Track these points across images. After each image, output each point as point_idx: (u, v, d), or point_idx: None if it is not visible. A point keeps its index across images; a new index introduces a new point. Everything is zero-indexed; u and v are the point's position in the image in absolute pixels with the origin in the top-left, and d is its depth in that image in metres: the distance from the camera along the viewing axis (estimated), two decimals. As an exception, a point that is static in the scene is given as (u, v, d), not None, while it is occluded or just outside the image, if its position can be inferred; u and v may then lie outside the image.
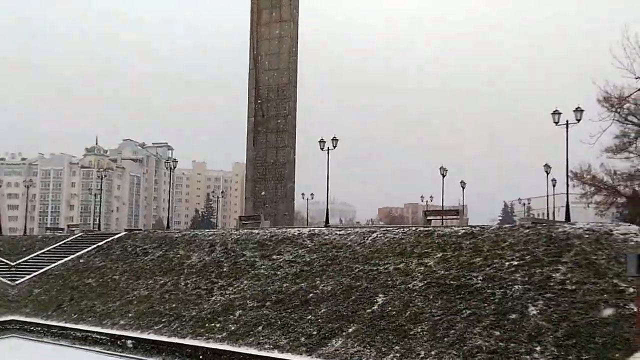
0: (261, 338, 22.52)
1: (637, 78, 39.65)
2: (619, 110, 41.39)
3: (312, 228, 34.71)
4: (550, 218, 54.32)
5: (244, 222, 42.76)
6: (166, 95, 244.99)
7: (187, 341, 24.30)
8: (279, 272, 27.71)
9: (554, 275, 20.43)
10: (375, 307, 22.02)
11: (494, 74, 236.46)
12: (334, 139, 40.30)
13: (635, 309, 16.20)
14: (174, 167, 52.48)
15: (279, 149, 47.65)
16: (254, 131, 48.36)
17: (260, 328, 23.31)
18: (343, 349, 19.99)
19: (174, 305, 27.95)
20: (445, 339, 18.72)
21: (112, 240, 41.85)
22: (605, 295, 18.66)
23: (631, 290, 17.85)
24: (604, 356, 15.77)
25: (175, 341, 24.58)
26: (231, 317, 25.07)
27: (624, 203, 44.61)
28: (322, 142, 40.60)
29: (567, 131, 31.17)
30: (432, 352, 18.24)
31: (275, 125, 47.89)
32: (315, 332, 21.66)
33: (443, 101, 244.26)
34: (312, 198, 78.84)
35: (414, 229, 29.15)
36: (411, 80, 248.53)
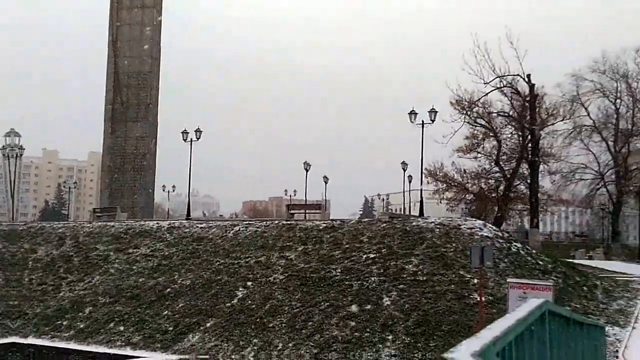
0: (112, 335, 21.44)
1: (485, 84, 42.74)
2: (469, 113, 44.33)
3: (172, 221, 33.67)
4: (407, 213, 56.92)
5: (98, 214, 40.52)
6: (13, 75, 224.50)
7: (30, 340, 22.58)
8: (134, 267, 26.55)
9: (407, 267, 21.36)
10: (235, 300, 21.77)
11: (364, 73, 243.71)
12: (198, 131, 39.36)
13: (478, 298, 17.31)
14: (20, 155, 48.53)
15: (139, 138, 45.75)
16: (113, 119, 46.06)
17: (112, 325, 22.18)
18: (200, 344, 19.55)
19: (15, 302, 25.85)
20: (303, 330, 18.90)
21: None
22: (452, 286, 19.82)
23: (475, 281, 19.06)
24: (449, 343, 16.68)
25: (16, 341, 22.73)
26: (80, 314, 23.62)
27: (471, 199, 47.84)
28: (185, 133, 39.50)
29: (422, 131, 32.70)
30: (290, 344, 18.34)
31: (136, 114, 45.91)
32: (171, 328, 20.99)
33: (311, 97, 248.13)
34: (174, 190, 76.58)
35: (276, 222, 29.21)
36: (283, 72, 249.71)
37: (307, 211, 42.56)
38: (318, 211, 41.14)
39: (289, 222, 28.86)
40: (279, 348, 18.33)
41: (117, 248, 28.74)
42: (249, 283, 22.77)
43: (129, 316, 22.50)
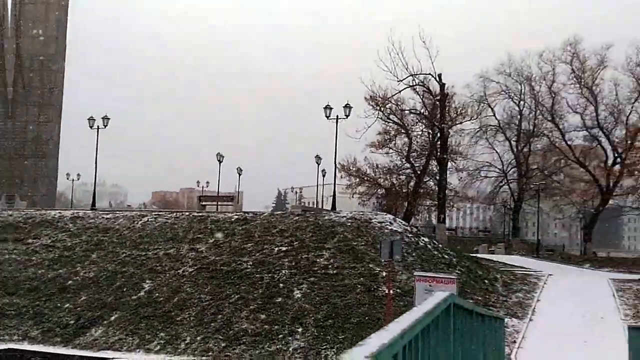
0: (9, 329, 20.28)
1: (399, 81, 43.64)
2: (382, 109, 45.13)
3: (76, 211, 32.26)
4: (319, 207, 57.37)
5: (-5, 202, 38.31)
6: None
7: None
8: (34, 258, 25.23)
9: (318, 260, 21.48)
10: (142, 293, 21.14)
11: (280, 66, 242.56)
12: (105, 118, 37.82)
13: (387, 291, 17.65)
14: None
15: (42, 124, 43.50)
16: (13, 102, 43.54)
17: (7, 319, 20.98)
18: (103, 338, 18.84)
19: None
20: (212, 323, 18.61)
21: None
22: (362, 279, 20.12)
23: (384, 274, 19.42)
24: (358, 335, 16.91)
25: None
26: (-27, 308, 22.21)
27: (383, 194, 48.79)
28: (91, 119, 37.85)
29: (336, 125, 32.89)
30: (198, 338, 18.01)
31: (39, 98, 43.61)
32: (72, 322, 20.11)
33: (228, 88, 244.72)
34: (79, 179, 73.31)
35: (187, 214, 28.63)
36: (204, 64, 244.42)
37: (219, 203, 42.07)
38: (230, 203, 40.75)
39: (200, 214, 28.35)
40: (186, 342, 17.96)
41: (15, 238, 27.20)
42: (157, 275, 22.18)
43: (27, 309, 21.36)
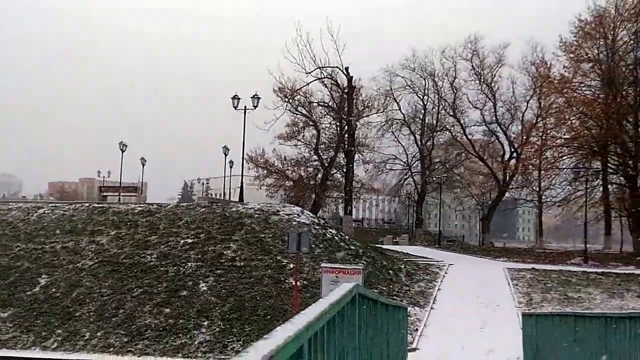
0: None
1: (307, 73, 43.81)
2: (291, 101, 45.18)
3: (-36, 201, 30.20)
4: (227, 198, 56.77)
5: None
6: None
7: None
8: None
9: (225, 252, 21.24)
10: (37, 288, 20.09)
11: (188, 54, 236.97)
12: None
13: (294, 283, 17.71)
14: None
15: None
16: None
17: None
18: (-6, 337, 17.75)
19: None
20: (114, 318, 17.98)
21: None
22: (269, 271, 20.09)
23: (291, 266, 19.48)
24: (265, 327, 16.88)
25: None
26: None
27: (291, 186, 48.91)
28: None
29: (244, 116, 32.61)
30: (98, 334, 17.33)
31: None
32: (-40, 320, 18.82)
33: (131, 75, 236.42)
34: (-32, 168, 68.81)
35: (87, 205, 27.47)
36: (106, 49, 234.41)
37: (121, 193, 40.68)
38: (134, 194, 39.56)
39: (101, 205, 27.31)
40: (85, 338, 17.24)
41: None
42: (54, 270, 21.14)
43: None
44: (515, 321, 16.63)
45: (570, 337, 8.41)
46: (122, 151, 55.91)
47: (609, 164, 43.62)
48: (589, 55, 43.86)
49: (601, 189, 44.54)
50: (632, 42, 41.25)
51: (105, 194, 36.87)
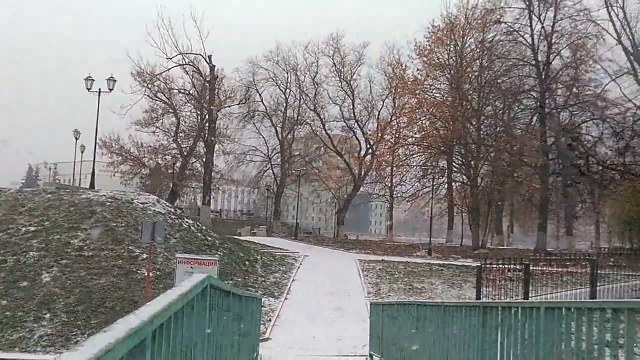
0: None
1: (168, 59, 42.60)
2: (150, 86, 43.73)
3: None
4: (77, 184, 53.69)
5: None
6: None
7: None
8: None
9: (72, 241, 20.13)
10: None
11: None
12: None
13: (146, 274, 17.19)
14: None
15: None
16: None
17: None
18: None
19: None
20: (-59, 313, 16.37)
21: None
22: (120, 261, 19.33)
23: (144, 256, 18.89)
24: (113, 319, 16.15)
25: None
26: None
27: (147, 174, 47.35)
28: None
29: (98, 99, 31.01)
30: None
31: None
32: None
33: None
34: None
35: None
36: None
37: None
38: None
39: None
40: None
41: None
42: None
43: None
44: (365, 310, 17.37)
45: (412, 325, 8.94)
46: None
47: (454, 164, 46.88)
48: (440, 60, 46.79)
49: (446, 186, 47.76)
50: (478, 50, 44.54)
51: None
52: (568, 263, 21.45)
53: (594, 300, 12.17)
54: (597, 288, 16.15)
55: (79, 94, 32.38)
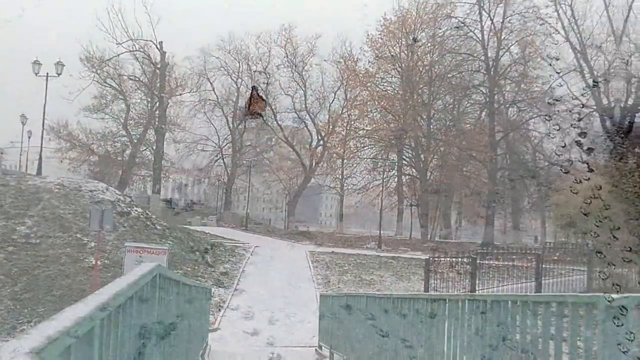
0: None
1: (118, 44, 41.76)
2: (99, 72, 42.81)
3: None
4: (23, 170, 52.17)
5: None
6: None
7: None
8: None
9: (19, 228, 19.73)
10: None
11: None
12: None
13: (94, 262, 16.98)
14: None
15: None
16: None
17: None
18: None
19: None
20: None
21: None
22: (68, 249, 19.04)
23: (93, 244, 18.64)
24: (60, 308, 15.93)
25: None
26: None
27: (96, 161, 46.40)
28: None
29: (46, 84, 30.28)
30: None
31: None
32: None
33: None
34: None
35: None
36: None
37: None
38: None
39: None
40: None
41: None
42: None
43: None
44: (314, 302, 17.58)
45: (361, 316, 9.16)
46: None
47: (404, 157, 47.52)
48: (391, 53, 47.17)
49: (396, 179, 48.37)
50: (429, 44, 45.18)
51: None
52: (514, 257, 21.94)
53: (539, 294, 12.69)
54: (542, 282, 16.66)
55: (27, 77, 31.48)
